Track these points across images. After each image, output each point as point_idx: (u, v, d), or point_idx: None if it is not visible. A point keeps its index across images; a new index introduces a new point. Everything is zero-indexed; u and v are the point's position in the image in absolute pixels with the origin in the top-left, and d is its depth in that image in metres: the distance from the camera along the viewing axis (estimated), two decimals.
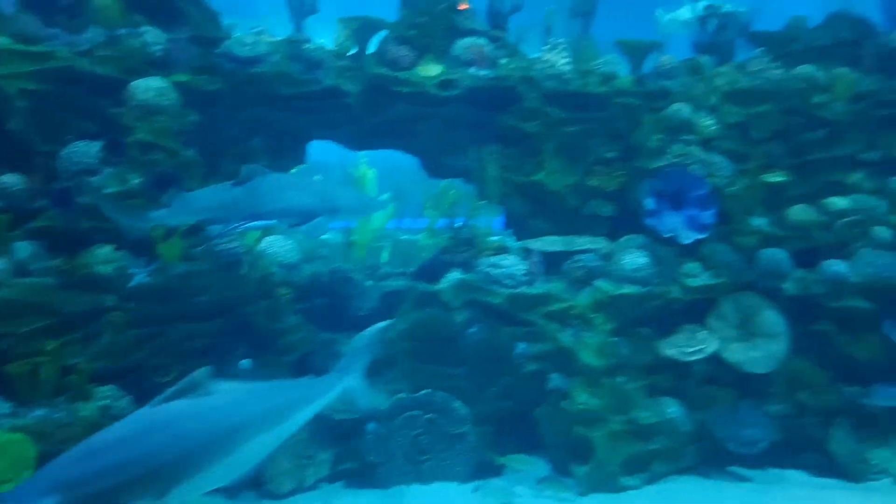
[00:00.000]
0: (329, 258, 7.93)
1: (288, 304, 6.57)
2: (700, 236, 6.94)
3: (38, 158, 5.78)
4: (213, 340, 6.17)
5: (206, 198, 5.14)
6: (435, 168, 7.47)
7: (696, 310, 6.80)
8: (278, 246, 7.21)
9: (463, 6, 7.34)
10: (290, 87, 6.68)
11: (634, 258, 6.79)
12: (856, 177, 7.44)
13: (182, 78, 6.28)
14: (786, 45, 7.74)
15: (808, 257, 7.06)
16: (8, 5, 6.09)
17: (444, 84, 6.98)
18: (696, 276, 6.86)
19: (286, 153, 7.03)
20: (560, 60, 7.27)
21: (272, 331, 6.42)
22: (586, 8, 7.45)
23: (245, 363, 6.26)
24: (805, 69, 7.48)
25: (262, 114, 6.75)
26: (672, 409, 6.54)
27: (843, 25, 7.72)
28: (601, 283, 6.74)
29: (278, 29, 7.11)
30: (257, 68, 6.57)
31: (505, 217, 7.41)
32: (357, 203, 5.86)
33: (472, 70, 7.05)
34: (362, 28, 7.06)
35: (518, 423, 6.70)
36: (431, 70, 7.01)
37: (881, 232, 7.07)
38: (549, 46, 7.36)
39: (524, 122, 7.14)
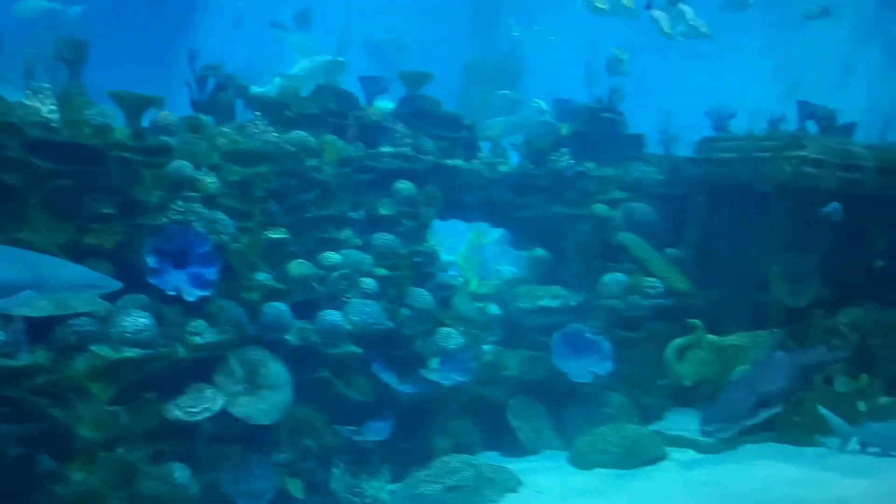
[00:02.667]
0: None
1: None
2: (204, 293, 6.91)
3: None
4: None
5: None
6: None
7: (204, 368, 6.72)
8: None
9: None
10: None
11: (135, 319, 6.45)
12: (345, 233, 8.21)
13: None
14: (280, 110, 8.26)
15: (307, 309, 7.54)
16: None
17: None
18: (202, 334, 6.79)
19: None
20: (45, 108, 6.65)
21: None
22: (74, 55, 6.96)
23: None
24: (299, 134, 8.06)
25: None
26: (179, 473, 6.31)
27: (329, 97, 8.54)
28: (98, 349, 6.26)
29: None
30: None
31: None
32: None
33: None
34: None
35: None
36: None
37: (367, 283, 7.90)
38: (31, 91, 6.69)
39: (4, 173, 6.34)
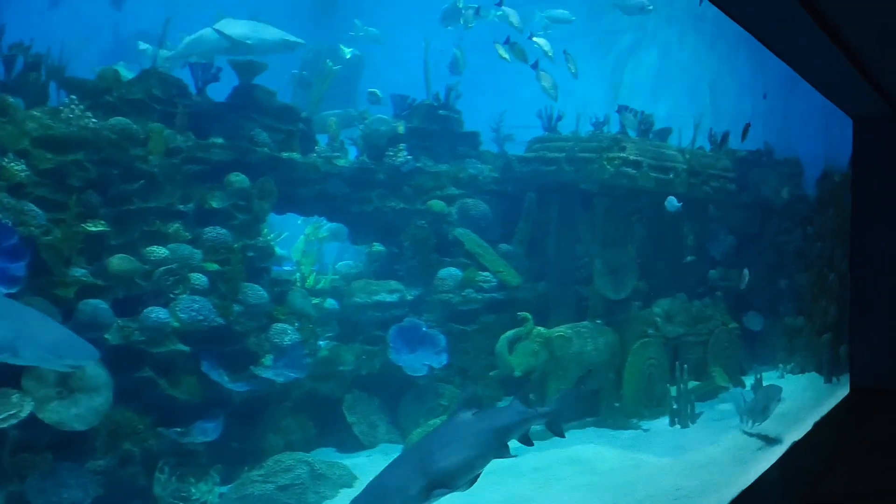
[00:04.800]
0: None
1: None
2: (11, 290, 6.37)
3: None
4: None
5: None
6: None
7: (9, 371, 6.20)
8: None
9: None
10: None
11: None
12: (174, 227, 7.83)
13: None
14: (100, 95, 7.75)
15: (131, 306, 7.14)
16: None
17: None
18: None
19: None
20: None
21: None
22: None
23: None
24: (120, 121, 7.60)
25: None
26: None
27: (155, 83, 8.11)
28: None
29: None
30: None
31: None
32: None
33: None
34: None
35: None
36: None
37: (198, 278, 7.59)
38: None
39: None
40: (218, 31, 9.67)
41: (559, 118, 10.49)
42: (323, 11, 14.71)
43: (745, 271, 10.60)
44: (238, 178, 8.26)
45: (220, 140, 8.32)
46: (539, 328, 9.19)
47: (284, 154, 8.86)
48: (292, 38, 10.04)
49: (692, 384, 9.91)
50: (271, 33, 9.93)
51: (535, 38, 10.64)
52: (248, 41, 9.70)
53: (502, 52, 10.12)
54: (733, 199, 11.72)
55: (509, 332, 9.04)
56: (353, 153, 9.87)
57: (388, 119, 9.96)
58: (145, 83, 8.15)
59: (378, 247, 9.97)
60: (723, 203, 11.78)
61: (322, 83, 10.32)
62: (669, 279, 10.61)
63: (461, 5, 11.82)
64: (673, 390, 9.79)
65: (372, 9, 15.69)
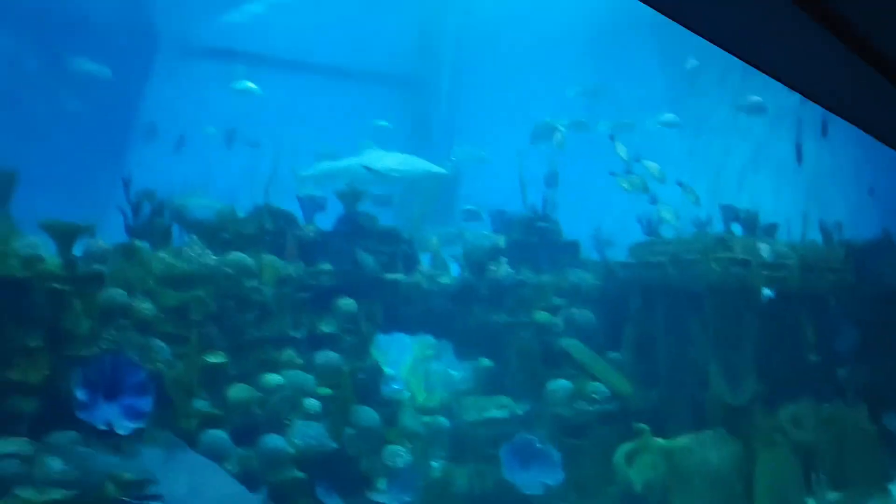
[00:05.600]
0: None
1: None
2: (138, 425, 6.65)
3: None
4: None
5: None
6: None
7: None
8: None
9: None
10: None
11: (62, 459, 6.15)
12: (287, 353, 8.08)
13: None
14: (216, 232, 8.24)
15: (248, 433, 7.30)
16: None
17: None
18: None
19: None
20: None
21: None
22: (1, 188, 6.89)
23: None
24: (236, 255, 8.03)
25: None
26: None
27: (266, 217, 8.57)
28: (23, 492, 5.91)
29: None
30: None
31: None
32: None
33: None
34: None
35: None
36: None
37: (311, 403, 7.73)
38: None
39: None
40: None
41: (659, 221, 10.38)
42: (419, 133, 15.33)
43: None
44: (346, 302, 8.50)
45: (327, 266, 8.64)
46: (657, 439, 8.79)
47: (389, 275, 9.08)
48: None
49: (832, 495, 9.17)
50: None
51: (645, 163, 10.68)
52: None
53: (624, 184, 10.18)
54: (854, 292, 11.12)
55: (626, 445, 8.69)
56: (454, 270, 10.01)
57: (489, 234, 10.10)
58: (257, 218, 8.63)
59: (485, 361, 9.91)
60: (842, 296, 11.19)
61: (423, 204, 10.63)
62: (793, 380, 10.03)
63: (550, 122, 12.11)
64: (811, 502, 9.08)
65: (464, 128, 16.30)
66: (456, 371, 11.39)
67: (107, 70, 13.35)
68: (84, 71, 13.33)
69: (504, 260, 9.85)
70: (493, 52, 16.52)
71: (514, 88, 16.54)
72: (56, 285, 6.77)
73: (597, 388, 9.30)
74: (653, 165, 10.79)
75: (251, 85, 14.10)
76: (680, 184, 10.74)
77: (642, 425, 8.78)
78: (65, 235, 6.96)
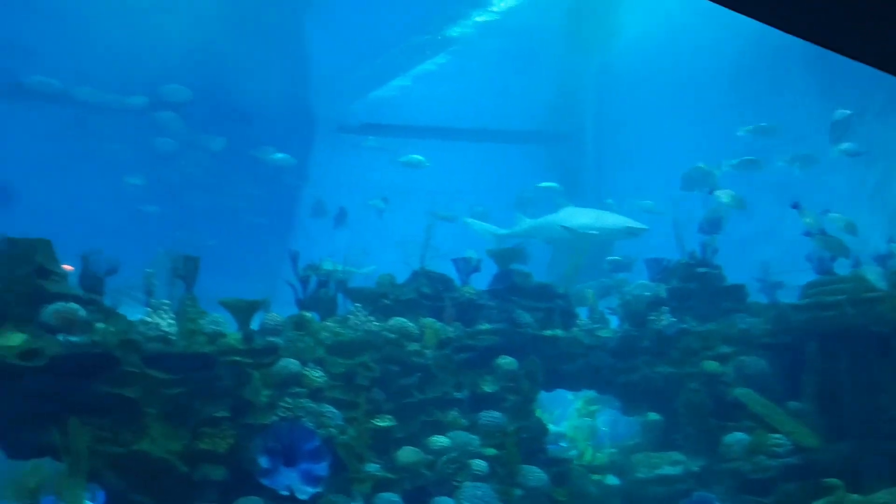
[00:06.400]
0: None
1: None
2: (316, 490, 6.92)
3: None
4: None
5: None
6: (16, 447, 6.54)
7: None
8: None
9: (67, 267, 7.00)
10: None
11: None
12: (451, 414, 8.19)
13: None
14: (377, 299, 8.56)
15: (419, 496, 7.41)
16: None
17: (28, 354, 6.34)
18: None
19: None
20: (164, 321, 7.12)
21: None
22: (188, 271, 7.52)
23: None
24: (398, 321, 8.29)
25: None
26: None
27: (423, 281, 8.82)
28: None
29: None
30: None
31: (105, 495, 6.66)
32: None
33: (62, 337, 6.54)
34: None
35: None
36: (12, 339, 6.35)
37: (478, 464, 7.75)
38: (152, 308, 7.20)
39: (121, 387, 6.72)
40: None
41: (833, 258, 9.71)
42: (568, 186, 15.31)
43: None
44: (506, 361, 8.53)
45: (485, 326, 8.72)
46: (852, 496, 8.07)
47: (547, 332, 9.03)
48: (636, 225, 10.28)
49: None
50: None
51: (832, 215, 10.07)
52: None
53: (807, 219, 9.68)
54: None
55: (819, 502, 8.02)
56: (613, 322, 9.81)
57: (648, 283, 9.84)
58: (415, 283, 8.89)
59: (653, 416, 9.56)
60: None
61: (576, 257, 10.53)
62: None
63: (703, 167, 11.75)
64: None
65: (609, 179, 16.16)
66: (622, 427, 11.05)
67: (289, 157, 14.55)
68: (261, 157, 14.59)
69: (665, 309, 9.54)
70: (635, 101, 16.37)
71: (659, 135, 16.27)
72: (237, 358, 7.25)
73: (778, 440, 8.71)
74: (839, 217, 10.09)
75: (418, 157, 14.73)
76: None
77: (834, 480, 8.10)
78: (243, 311, 7.47)
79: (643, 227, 10.14)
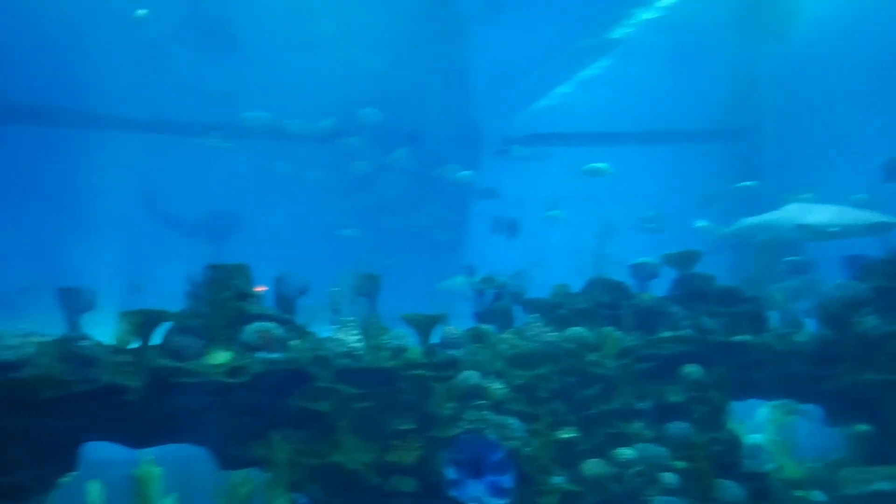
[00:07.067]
0: None
1: None
2: (504, 502, 6.94)
3: None
4: None
5: None
6: (225, 459, 7.07)
7: None
8: None
9: (260, 288, 7.51)
10: (57, 389, 6.25)
11: None
12: (635, 426, 7.93)
13: None
14: (553, 309, 8.47)
15: None
16: None
17: (234, 371, 6.85)
18: None
19: (53, 461, 6.39)
20: (351, 338, 7.45)
21: None
22: (370, 288, 7.83)
23: None
24: (575, 331, 8.16)
25: (23, 421, 6.18)
26: None
27: (599, 290, 8.63)
28: None
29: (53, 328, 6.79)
30: (19, 373, 6.12)
31: None
32: None
33: (262, 354, 7.01)
34: (145, 321, 6.91)
35: None
36: (219, 358, 6.89)
37: (668, 478, 7.45)
38: (339, 326, 7.56)
39: (315, 402, 7.10)
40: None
41: None
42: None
43: None
44: (692, 370, 8.15)
45: (667, 334, 8.39)
46: None
47: (735, 338, 8.55)
48: (886, 219, 9.29)
49: None
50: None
51: None
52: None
53: None
54: None
55: None
56: (809, 326, 9.11)
57: (848, 283, 9.06)
58: (591, 291, 8.72)
59: (861, 426, 8.78)
60: None
61: (765, 258, 9.93)
62: None
63: None
64: None
65: (795, 173, 15.11)
66: (822, 439, 10.24)
67: (473, 174, 14.94)
68: (447, 176, 15.10)
69: (868, 310, 8.75)
70: (819, 90, 15.22)
71: (848, 124, 15.02)
72: (419, 372, 7.43)
73: None
74: None
75: (601, 165, 14.48)
76: None
77: None
78: (424, 326, 7.66)
79: (894, 220, 8.96)
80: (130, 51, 15.73)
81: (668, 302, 8.78)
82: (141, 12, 13.97)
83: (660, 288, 9.11)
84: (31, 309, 7.52)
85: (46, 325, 6.73)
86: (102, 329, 6.92)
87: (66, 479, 6.66)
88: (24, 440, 6.27)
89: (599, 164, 14.44)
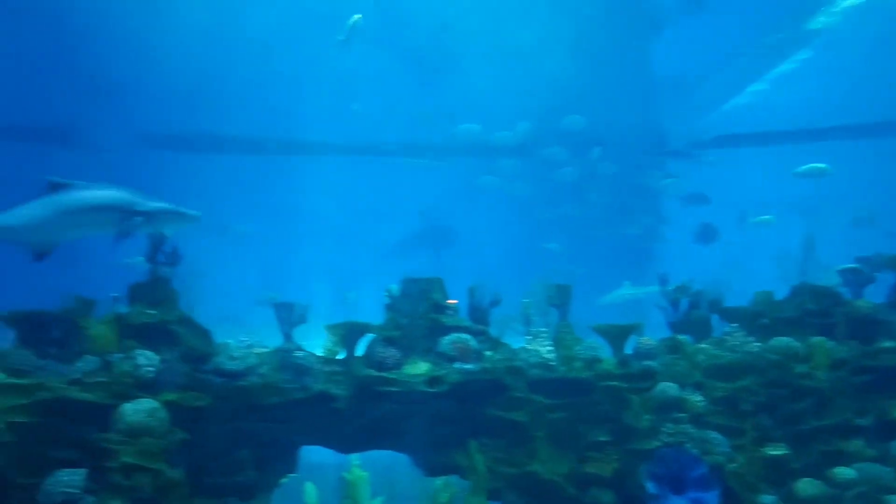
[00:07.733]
0: None
1: None
2: None
3: (16, 493, 5.68)
4: None
5: None
6: (427, 466, 7.33)
7: None
8: None
9: (452, 301, 7.74)
10: (278, 396, 6.79)
11: None
12: (855, 444, 7.33)
13: (170, 397, 6.38)
14: (755, 319, 8.02)
15: None
16: (5, 342, 6.36)
17: (433, 381, 7.09)
18: None
19: (275, 462, 6.94)
20: (543, 349, 7.48)
21: None
22: (562, 299, 7.81)
23: None
24: (781, 341, 7.68)
25: (249, 425, 6.77)
26: None
27: (807, 297, 8.07)
28: None
29: (271, 339, 7.39)
30: (245, 381, 6.72)
31: None
32: None
33: (458, 365, 7.20)
34: (349, 333, 7.33)
35: None
36: (418, 368, 7.17)
37: (894, 501, 6.81)
38: (531, 336, 7.61)
39: (511, 411, 7.18)
40: None
41: None
42: None
43: None
44: None
45: (888, 343, 7.69)
46: None
47: None
48: None
49: None
50: None
51: None
52: None
53: None
54: None
55: None
56: None
57: None
58: (797, 299, 8.18)
59: None
60: None
61: None
62: None
63: None
64: None
65: None
66: None
67: (677, 181, 14.64)
68: (652, 184, 14.90)
69: None
70: None
71: None
72: (614, 383, 7.31)
73: None
74: None
75: (820, 165, 13.59)
76: None
77: None
78: (616, 336, 7.54)
79: None
80: (347, 82, 16.84)
81: (887, 309, 8.05)
82: (356, 17, 14.36)
83: (876, 294, 8.38)
84: (254, 322, 8.19)
85: (267, 338, 7.33)
86: (313, 341, 7.43)
87: (286, 480, 7.19)
88: (250, 443, 6.86)
89: (817, 165, 13.43)
